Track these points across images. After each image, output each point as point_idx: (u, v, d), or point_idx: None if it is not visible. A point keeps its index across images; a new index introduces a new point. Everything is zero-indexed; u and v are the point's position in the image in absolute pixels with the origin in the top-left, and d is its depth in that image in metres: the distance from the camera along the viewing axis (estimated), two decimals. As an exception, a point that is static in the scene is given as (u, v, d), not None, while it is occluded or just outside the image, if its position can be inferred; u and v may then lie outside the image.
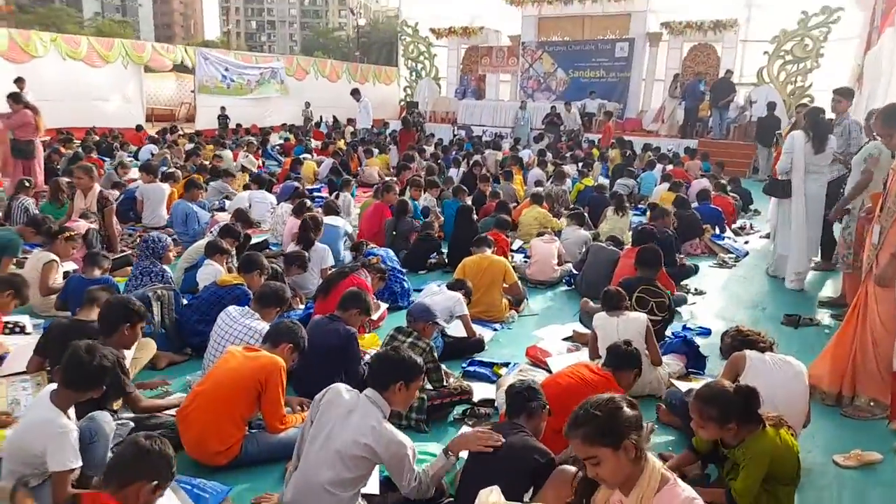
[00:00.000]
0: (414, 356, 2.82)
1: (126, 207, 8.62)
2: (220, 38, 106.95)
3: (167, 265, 5.05)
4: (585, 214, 9.16)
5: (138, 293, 4.53)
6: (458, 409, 3.88)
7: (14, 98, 8.92)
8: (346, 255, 6.99)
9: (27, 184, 7.93)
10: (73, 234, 5.33)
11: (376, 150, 15.23)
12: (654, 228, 6.28)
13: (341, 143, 18.04)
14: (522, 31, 24.53)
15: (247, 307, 4.02)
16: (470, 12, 25.78)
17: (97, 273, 4.84)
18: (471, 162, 13.89)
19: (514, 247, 8.02)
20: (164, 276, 4.84)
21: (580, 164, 13.67)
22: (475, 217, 7.73)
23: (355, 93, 16.03)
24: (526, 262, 7.09)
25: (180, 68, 21.62)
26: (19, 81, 15.03)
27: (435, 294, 4.85)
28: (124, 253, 6.69)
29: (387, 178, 12.12)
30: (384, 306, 5.40)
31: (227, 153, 13.66)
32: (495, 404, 3.81)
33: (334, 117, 23.47)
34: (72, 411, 2.71)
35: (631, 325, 4.17)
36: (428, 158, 13.82)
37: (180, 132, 17.49)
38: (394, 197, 8.15)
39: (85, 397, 2.68)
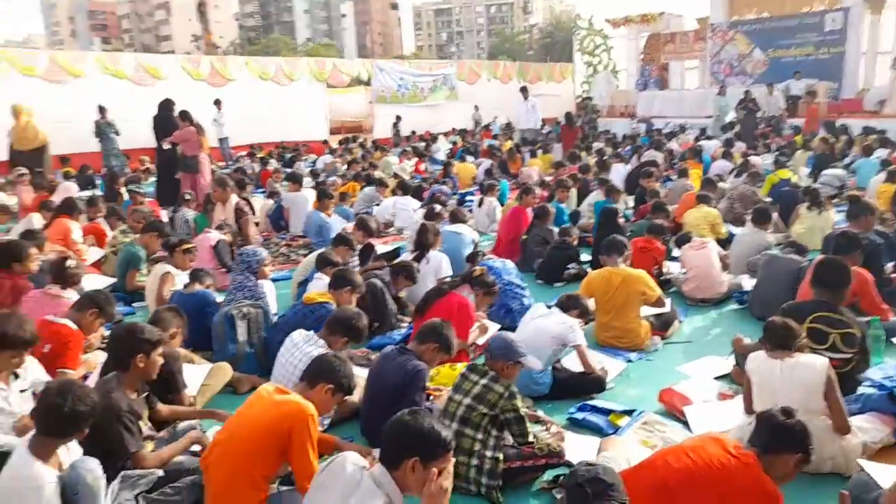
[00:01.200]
0: (439, 428, 2.07)
1: (278, 216, 8.83)
2: (413, 53, 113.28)
3: (263, 279, 4.79)
4: (774, 213, 7.55)
5: (224, 311, 4.30)
6: (549, 475, 3.02)
7: (182, 116, 9.60)
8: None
9: (188, 197, 8.43)
10: (189, 246, 5.33)
11: (541, 151, 14.41)
12: (854, 233, 4.76)
13: (508, 144, 17.52)
14: (711, 11, 22.08)
15: (313, 332, 3.54)
16: (648, -1, 23.84)
17: (197, 287, 4.73)
18: (641, 157, 12.55)
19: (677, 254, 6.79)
20: (255, 293, 4.58)
21: (777, 154, 11.59)
22: (625, 220, 6.65)
23: (523, 91, 15.35)
24: (684, 274, 5.86)
25: (361, 82, 22.61)
26: (217, 103, 16.78)
27: (542, 317, 3.99)
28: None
29: (545, 178, 11.34)
30: (494, 327, 4.65)
31: (391, 159, 13.77)
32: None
33: (509, 121, 23.04)
34: (66, 455, 2.40)
35: (801, 373, 2.98)
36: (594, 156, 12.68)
37: (359, 141, 18.23)
38: (533, 200, 7.34)
39: (64, 443, 2.34)
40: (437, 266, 5.59)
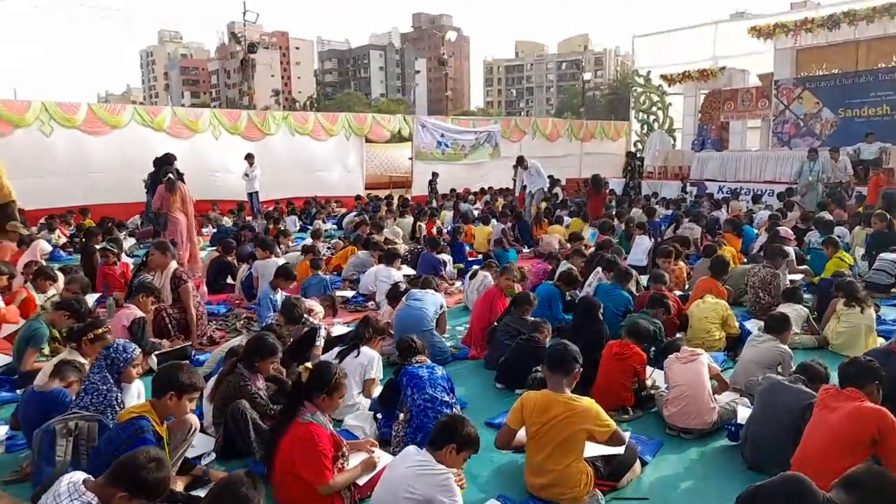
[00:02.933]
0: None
1: (249, 284, 8.18)
2: (480, 108, 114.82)
3: (129, 382, 3.99)
4: (803, 310, 6.28)
5: (46, 424, 3.52)
6: None
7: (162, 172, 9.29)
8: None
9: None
10: (100, 332, 4.57)
11: (567, 216, 13.37)
12: (866, 360, 3.54)
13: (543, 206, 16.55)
14: (775, 67, 20.64)
15: (82, 481, 2.68)
16: (709, 53, 22.59)
17: (55, 384, 3.99)
18: (677, 229, 11.29)
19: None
20: (106, 400, 3.77)
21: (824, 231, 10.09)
22: (603, 314, 5.55)
23: (520, 162, 14.47)
24: (666, 393, 4.68)
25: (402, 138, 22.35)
26: (249, 157, 16.71)
27: (413, 466, 2.98)
28: (185, 344, 5.98)
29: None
30: (386, 459, 3.66)
31: (406, 220, 13.07)
32: None
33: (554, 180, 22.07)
34: None
35: None
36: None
37: (386, 199, 17.76)
38: (508, 282, 6.34)
39: None
40: (366, 364, 4.67)
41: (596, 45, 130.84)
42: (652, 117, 25.32)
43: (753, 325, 6.78)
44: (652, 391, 4.83)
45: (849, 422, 3.24)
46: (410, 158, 21.71)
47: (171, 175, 8.76)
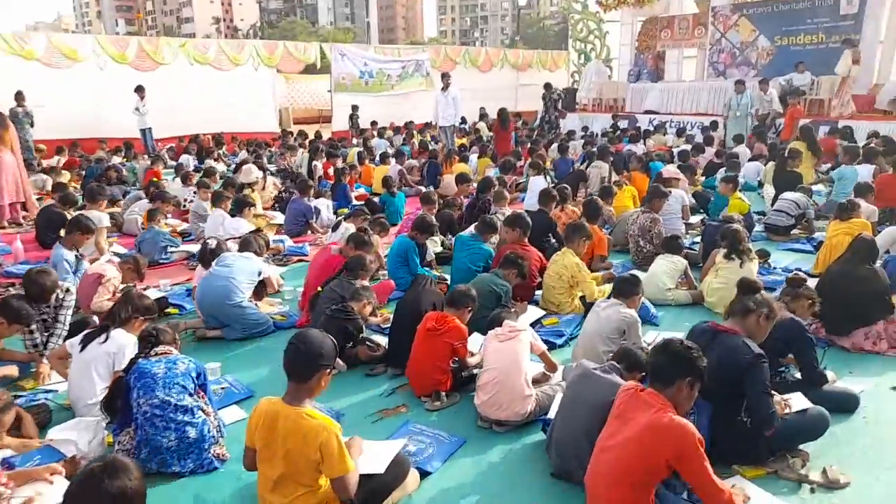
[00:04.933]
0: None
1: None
2: (433, 39, 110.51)
3: None
4: (681, 262, 5.60)
5: None
6: None
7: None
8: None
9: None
10: None
11: (476, 154, 12.38)
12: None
13: (463, 141, 15.54)
14: (713, -8, 19.58)
15: None
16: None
17: None
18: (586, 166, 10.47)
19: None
20: None
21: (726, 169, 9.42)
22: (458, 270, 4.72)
23: (443, 77, 13.22)
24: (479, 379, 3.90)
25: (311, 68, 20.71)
26: (139, 90, 15.08)
27: None
28: None
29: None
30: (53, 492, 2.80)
31: (298, 159, 11.89)
32: None
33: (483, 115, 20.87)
34: None
35: None
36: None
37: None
38: (351, 249, 5.40)
39: None
40: (115, 352, 3.73)
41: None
42: (589, 46, 24.10)
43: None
44: (475, 371, 4.06)
45: (638, 444, 2.50)
46: (329, 91, 20.19)
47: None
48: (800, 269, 6.33)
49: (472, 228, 6.19)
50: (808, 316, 4.05)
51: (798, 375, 3.90)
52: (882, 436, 3.57)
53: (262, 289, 5.42)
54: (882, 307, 4.60)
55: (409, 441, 3.41)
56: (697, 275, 5.88)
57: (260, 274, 5.19)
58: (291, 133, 17.51)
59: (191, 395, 3.29)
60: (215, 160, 13.66)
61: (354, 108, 18.99)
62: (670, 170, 8.29)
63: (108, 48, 15.74)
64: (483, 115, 19.79)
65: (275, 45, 19.24)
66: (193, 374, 3.36)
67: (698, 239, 7.17)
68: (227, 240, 6.49)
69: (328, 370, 2.73)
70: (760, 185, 10.09)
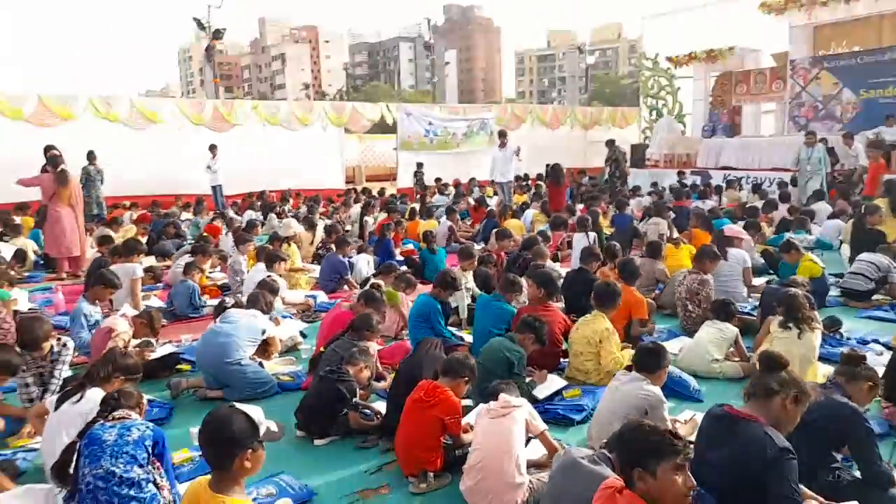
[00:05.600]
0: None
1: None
2: (511, 100, 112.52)
3: None
4: (730, 330, 4.99)
5: None
6: None
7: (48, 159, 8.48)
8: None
9: None
10: None
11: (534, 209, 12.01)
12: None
13: (524, 198, 15.22)
14: (790, 45, 18.76)
15: None
16: (719, 33, 20.73)
17: None
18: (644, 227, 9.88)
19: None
20: None
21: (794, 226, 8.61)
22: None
23: (501, 136, 13.05)
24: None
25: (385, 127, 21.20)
26: (212, 148, 15.80)
27: None
28: None
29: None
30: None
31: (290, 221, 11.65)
32: None
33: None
34: None
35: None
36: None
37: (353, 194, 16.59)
38: (361, 306, 5.14)
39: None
40: (88, 413, 3.54)
41: (629, 32, 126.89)
42: (661, 102, 23.56)
43: (677, 344, 5.49)
44: (470, 450, 3.60)
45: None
46: (395, 149, 20.54)
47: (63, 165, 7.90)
48: (877, 341, 5.53)
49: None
50: (867, 402, 3.37)
51: (857, 473, 3.21)
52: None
53: (266, 348, 5.20)
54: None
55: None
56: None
57: (264, 332, 4.97)
58: (356, 189, 17.81)
59: (141, 465, 3.02)
60: (278, 216, 13.95)
61: (419, 165, 19.17)
62: (734, 228, 7.60)
63: (186, 110, 16.69)
64: (548, 173, 19.43)
65: (343, 105, 19.88)
66: (148, 443, 3.09)
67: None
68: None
69: (248, 450, 2.38)
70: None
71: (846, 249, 8.06)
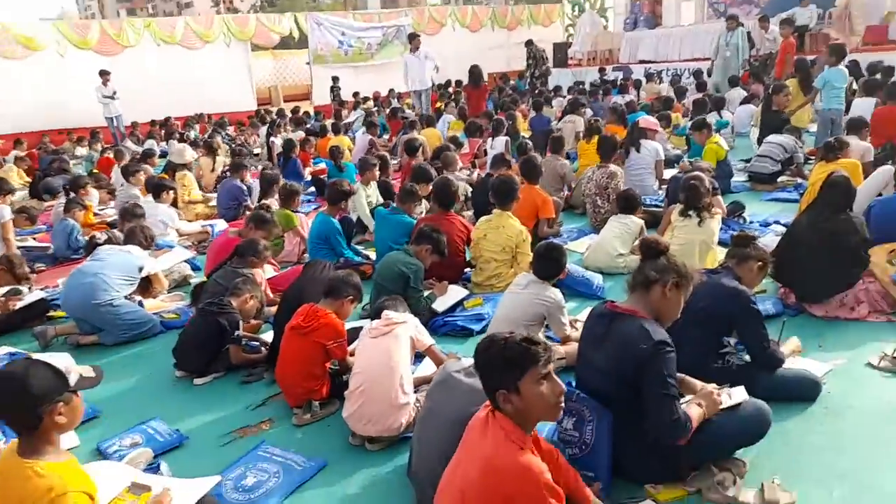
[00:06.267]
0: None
1: None
2: (432, 3, 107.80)
3: None
4: (635, 223, 4.88)
5: None
6: None
7: None
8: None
9: None
10: None
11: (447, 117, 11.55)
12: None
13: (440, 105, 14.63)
14: (709, -74, 18.25)
15: None
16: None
17: None
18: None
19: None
20: None
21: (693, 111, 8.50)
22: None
23: (411, 39, 12.33)
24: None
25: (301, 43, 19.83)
26: (102, 75, 14.43)
27: None
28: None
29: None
30: None
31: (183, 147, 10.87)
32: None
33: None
34: None
35: None
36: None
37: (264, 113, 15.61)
38: (249, 231, 4.73)
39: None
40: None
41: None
42: (583, -3, 22.91)
43: (587, 242, 5.38)
44: (351, 374, 3.37)
45: (473, 489, 1.84)
46: (308, 63, 19.36)
47: None
48: (779, 222, 5.54)
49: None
50: (757, 282, 3.29)
51: (747, 357, 3.16)
52: (843, 429, 2.83)
53: (149, 286, 4.79)
54: (858, 262, 3.81)
55: (240, 472, 2.77)
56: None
57: (141, 270, 4.54)
58: (268, 110, 16.77)
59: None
60: (181, 143, 13.00)
61: (335, 79, 18.15)
62: (648, 119, 7.39)
63: (69, 33, 15.07)
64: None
65: (246, 18, 18.40)
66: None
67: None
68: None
69: (59, 404, 2.05)
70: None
71: (755, 134, 8.05)
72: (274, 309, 4.36)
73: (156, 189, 6.49)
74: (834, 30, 13.19)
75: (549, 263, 3.57)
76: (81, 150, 13.59)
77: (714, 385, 2.69)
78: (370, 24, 20.33)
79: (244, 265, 4.31)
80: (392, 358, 2.98)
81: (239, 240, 4.67)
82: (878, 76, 9.02)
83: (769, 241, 4.95)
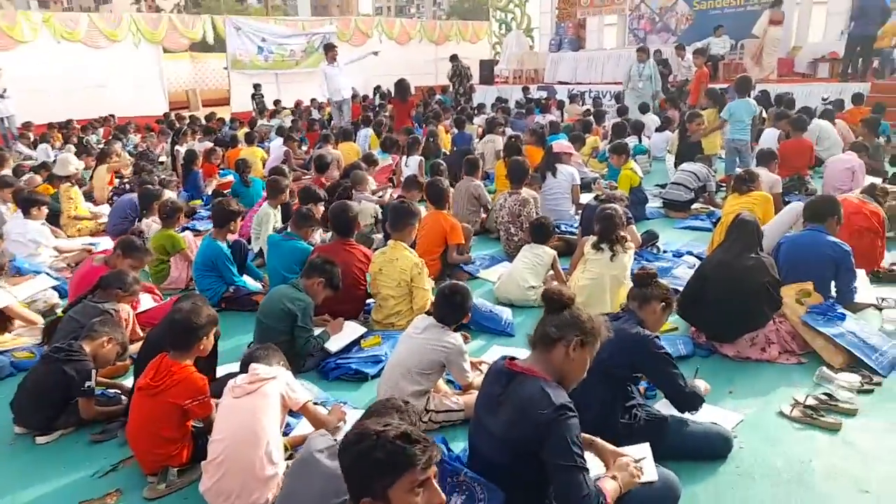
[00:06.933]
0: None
1: None
2: (366, 15, 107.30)
3: None
4: (547, 254, 4.64)
5: None
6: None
7: None
8: None
9: None
10: None
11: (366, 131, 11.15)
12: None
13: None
14: (630, -46, 18.77)
15: None
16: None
17: None
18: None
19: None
20: None
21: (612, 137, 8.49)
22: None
23: (329, 49, 11.93)
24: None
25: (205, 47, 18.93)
26: (-8, 71, 13.20)
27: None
28: None
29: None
30: None
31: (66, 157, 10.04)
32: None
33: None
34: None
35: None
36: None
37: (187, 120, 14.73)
38: (117, 258, 4.18)
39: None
40: None
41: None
42: (510, 16, 23.04)
43: (500, 270, 5.11)
44: (209, 440, 2.91)
45: None
46: (225, 68, 18.52)
47: None
48: (691, 253, 5.46)
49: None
50: (661, 324, 3.06)
51: (659, 410, 2.93)
52: (754, 495, 2.63)
53: (6, 322, 4.14)
54: (769, 303, 3.69)
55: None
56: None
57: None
58: (182, 116, 15.83)
59: None
60: (79, 149, 11.99)
61: (256, 87, 17.38)
62: (562, 143, 7.25)
63: (-48, 25, 13.74)
64: (377, 90, 18.41)
65: (158, 18, 17.39)
66: None
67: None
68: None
69: None
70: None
71: (670, 160, 8.09)
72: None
73: (25, 204, 5.77)
74: (746, 61, 13.70)
75: (451, 308, 3.24)
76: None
77: (630, 456, 2.43)
78: (293, 32, 19.70)
79: (108, 299, 3.76)
80: (258, 421, 2.55)
81: (105, 269, 4.11)
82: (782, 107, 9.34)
83: (682, 272, 4.86)
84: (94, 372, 3.26)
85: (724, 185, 7.55)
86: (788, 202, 5.79)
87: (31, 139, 13.04)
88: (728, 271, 3.68)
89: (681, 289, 4.21)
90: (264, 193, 6.40)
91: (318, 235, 5.33)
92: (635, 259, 5.08)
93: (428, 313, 3.36)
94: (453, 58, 15.38)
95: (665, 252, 5.53)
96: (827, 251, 3.93)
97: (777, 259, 3.99)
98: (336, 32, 20.26)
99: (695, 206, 6.83)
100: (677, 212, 6.71)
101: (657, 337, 2.84)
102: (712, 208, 6.74)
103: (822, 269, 3.91)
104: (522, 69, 20.53)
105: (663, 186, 7.44)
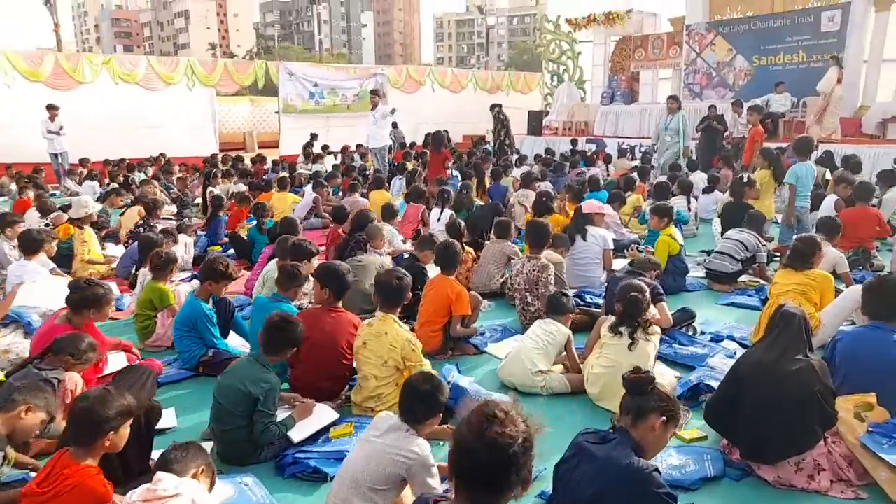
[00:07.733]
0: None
1: None
2: (426, 64, 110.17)
3: None
4: (562, 332, 4.07)
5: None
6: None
7: None
8: None
9: None
10: None
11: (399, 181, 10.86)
12: None
13: (410, 165, 14.00)
14: (687, 10, 18.35)
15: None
16: (619, -5, 20.13)
17: None
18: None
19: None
20: None
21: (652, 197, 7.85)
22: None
23: (372, 94, 11.79)
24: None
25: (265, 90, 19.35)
26: (50, 109, 13.66)
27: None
28: None
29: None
30: None
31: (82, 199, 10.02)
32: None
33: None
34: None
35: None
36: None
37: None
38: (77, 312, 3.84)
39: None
40: None
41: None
42: (562, 67, 22.82)
43: (512, 344, 4.55)
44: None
45: None
46: (277, 112, 18.82)
47: None
48: (732, 337, 4.76)
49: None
50: (663, 444, 2.43)
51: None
52: None
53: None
54: (820, 418, 3.00)
55: None
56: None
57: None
58: (227, 158, 16.03)
59: None
60: (122, 187, 12.14)
61: (313, 136, 17.32)
62: (592, 203, 6.65)
63: (19, 64, 14.38)
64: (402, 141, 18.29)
65: (214, 63, 17.89)
66: None
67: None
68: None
69: None
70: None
71: (718, 224, 7.39)
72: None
73: (26, 244, 5.59)
74: (809, 118, 12.90)
75: (418, 401, 2.69)
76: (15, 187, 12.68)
77: None
78: (346, 77, 19.96)
79: (56, 365, 3.39)
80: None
81: (67, 328, 3.76)
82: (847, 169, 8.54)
83: (718, 362, 4.18)
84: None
85: (777, 255, 6.80)
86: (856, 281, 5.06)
87: (83, 175, 13.34)
88: (768, 376, 3.02)
89: (714, 384, 3.59)
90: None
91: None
92: (666, 342, 4.47)
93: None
94: (493, 107, 15.07)
95: (703, 334, 4.84)
96: None
97: (832, 361, 3.30)
98: (387, 78, 20.43)
99: (742, 278, 6.11)
100: (721, 284, 6.00)
101: (657, 470, 2.23)
102: (763, 282, 6.02)
103: (889, 376, 3.19)
104: (572, 121, 20.14)
105: (709, 253, 6.75)
